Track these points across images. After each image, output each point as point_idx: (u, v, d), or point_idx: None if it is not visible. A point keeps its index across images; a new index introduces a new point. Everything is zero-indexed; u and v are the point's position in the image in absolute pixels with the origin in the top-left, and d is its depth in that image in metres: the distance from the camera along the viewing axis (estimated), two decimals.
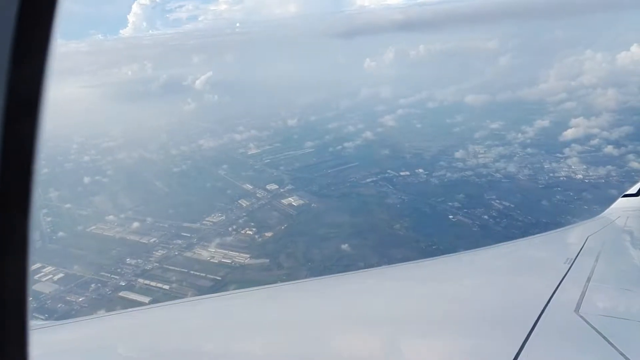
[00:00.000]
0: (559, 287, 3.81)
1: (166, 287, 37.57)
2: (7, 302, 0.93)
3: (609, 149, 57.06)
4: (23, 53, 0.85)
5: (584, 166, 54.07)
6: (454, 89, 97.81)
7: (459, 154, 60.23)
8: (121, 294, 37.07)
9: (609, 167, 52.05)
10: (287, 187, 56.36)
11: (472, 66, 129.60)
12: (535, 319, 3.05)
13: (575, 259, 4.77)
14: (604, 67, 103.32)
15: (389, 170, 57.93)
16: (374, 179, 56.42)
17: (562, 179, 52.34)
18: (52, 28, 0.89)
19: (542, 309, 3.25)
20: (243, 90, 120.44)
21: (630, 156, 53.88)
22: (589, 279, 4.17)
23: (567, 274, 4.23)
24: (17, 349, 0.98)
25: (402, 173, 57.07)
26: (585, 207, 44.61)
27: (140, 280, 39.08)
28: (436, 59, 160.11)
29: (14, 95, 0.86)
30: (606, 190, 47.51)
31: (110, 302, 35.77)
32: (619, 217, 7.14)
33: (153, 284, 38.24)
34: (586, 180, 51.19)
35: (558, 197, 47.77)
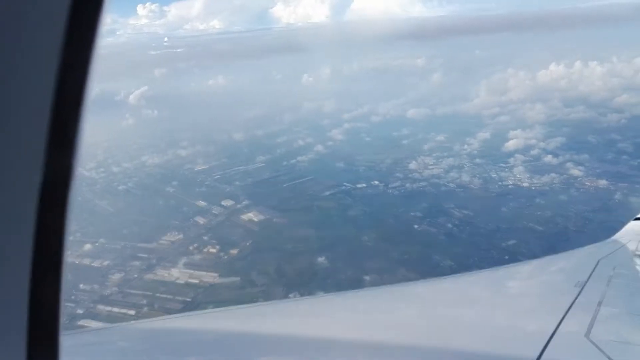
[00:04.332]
0: (569, 311, 3.78)
1: (131, 312, 34.75)
2: (41, 306, 0.97)
3: (549, 158, 61.06)
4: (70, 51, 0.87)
5: (528, 175, 57.34)
6: (394, 103, 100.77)
7: (412, 166, 61.76)
8: (80, 322, 33.70)
9: (552, 174, 55.57)
10: (244, 203, 54.65)
11: (405, 82, 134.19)
12: (545, 342, 3.04)
13: (586, 283, 4.71)
14: (528, 84, 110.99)
15: (345, 183, 58.04)
16: (332, 192, 56.29)
17: (510, 187, 55.11)
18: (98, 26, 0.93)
19: (552, 332, 3.23)
20: (181, 105, 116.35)
21: (569, 164, 57.97)
22: (600, 303, 4.12)
23: (578, 298, 4.19)
24: (48, 352, 1.02)
25: (358, 185, 57.36)
26: (539, 212, 47.28)
27: (100, 306, 35.87)
28: (369, 75, 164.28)
29: (62, 88, 0.88)
30: (554, 197, 50.73)
31: (69, 332, 32.43)
32: (630, 240, 7.07)
33: (116, 309, 35.19)
34: (533, 188, 54.20)
35: (511, 204, 50.09)
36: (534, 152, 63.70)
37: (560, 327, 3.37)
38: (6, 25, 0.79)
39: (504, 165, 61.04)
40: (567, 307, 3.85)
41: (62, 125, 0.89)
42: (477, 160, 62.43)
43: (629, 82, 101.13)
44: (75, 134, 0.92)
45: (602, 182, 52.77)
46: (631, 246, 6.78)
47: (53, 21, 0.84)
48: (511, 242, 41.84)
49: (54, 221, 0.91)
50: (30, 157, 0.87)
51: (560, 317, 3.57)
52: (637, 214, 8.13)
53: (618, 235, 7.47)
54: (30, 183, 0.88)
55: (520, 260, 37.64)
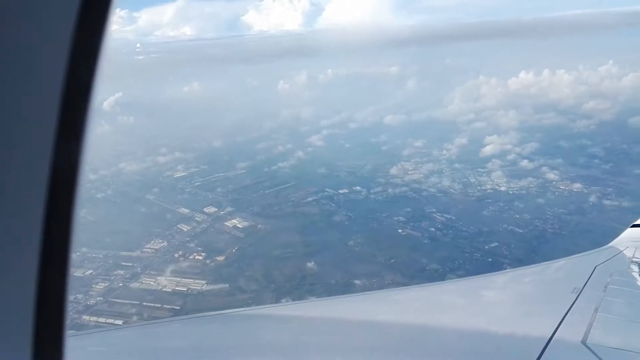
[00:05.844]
0: (566, 317, 3.83)
1: (118, 322, 34.10)
2: (47, 305, 0.97)
3: (525, 162, 62.92)
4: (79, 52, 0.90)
5: (506, 179, 58.93)
6: (370, 110, 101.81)
7: (392, 171, 62.61)
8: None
9: (529, 178, 57.29)
10: (227, 209, 54.41)
11: (380, 89, 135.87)
12: (542, 348, 3.08)
13: (582, 289, 4.76)
14: (500, 91, 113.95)
15: (327, 189, 58.36)
16: (315, 197, 56.54)
17: (489, 191, 56.48)
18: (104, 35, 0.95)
19: (549, 338, 3.28)
20: (157, 111, 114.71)
21: (544, 168, 59.87)
22: (596, 310, 4.17)
23: (575, 304, 4.25)
24: (53, 351, 1.03)
25: (340, 191, 57.78)
26: (517, 215, 48.65)
27: (85, 317, 35.07)
28: (344, 82, 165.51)
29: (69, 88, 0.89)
30: (532, 200, 52.28)
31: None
32: (627, 247, 7.10)
33: (102, 319, 34.40)
34: (510, 192, 55.72)
35: (491, 208, 51.37)
36: (510, 157, 65.53)
37: (558, 332, 3.41)
38: (17, 18, 0.77)
39: (482, 170, 62.48)
40: (564, 313, 3.89)
41: (71, 119, 0.89)
42: (456, 165, 63.79)
43: (595, 89, 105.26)
44: (83, 128, 0.92)
45: (577, 186, 54.72)
46: (628, 253, 6.81)
47: (63, 14, 0.84)
48: (493, 244, 42.91)
49: (61, 219, 0.91)
50: (38, 152, 0.86)
51: (558, 322, 3.61)
52: (624, 219, 8.30)
53: (615, 242, 7.49)
54: (38, 182, 0.87)
55: (503, 262, 38.61)
